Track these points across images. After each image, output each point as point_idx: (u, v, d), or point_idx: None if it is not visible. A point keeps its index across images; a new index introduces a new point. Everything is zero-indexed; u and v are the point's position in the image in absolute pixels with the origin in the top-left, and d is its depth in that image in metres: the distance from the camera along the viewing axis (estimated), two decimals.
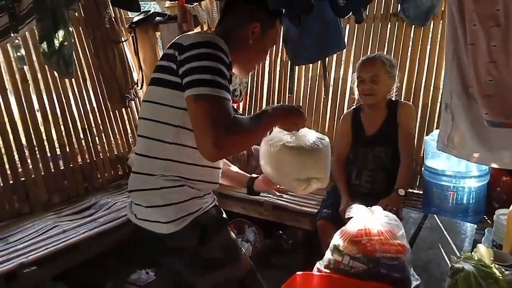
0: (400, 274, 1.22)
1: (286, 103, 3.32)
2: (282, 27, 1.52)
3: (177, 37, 1.22)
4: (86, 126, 3.00)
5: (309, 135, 1.40)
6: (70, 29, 2.15)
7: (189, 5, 2.98)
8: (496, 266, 1.30)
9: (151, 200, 1.20)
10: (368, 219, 1.30)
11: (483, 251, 1.35)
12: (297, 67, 3.15)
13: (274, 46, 3.14)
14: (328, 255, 1.32)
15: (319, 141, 1.40)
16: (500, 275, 1.27)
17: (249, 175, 1.62)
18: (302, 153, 1.35)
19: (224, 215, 1.35)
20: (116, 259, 2.63)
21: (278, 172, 1.43)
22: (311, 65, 3.16)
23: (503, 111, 1.27)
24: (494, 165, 1.51)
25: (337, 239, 1.32)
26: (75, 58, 2.88)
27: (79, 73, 2.95)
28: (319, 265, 1.35)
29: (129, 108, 3.28)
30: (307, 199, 2.73)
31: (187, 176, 1.21)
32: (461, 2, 1.32)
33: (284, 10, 1.53)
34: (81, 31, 3.00)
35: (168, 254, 1.27)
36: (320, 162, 1.40)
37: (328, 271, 1.29)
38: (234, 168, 1.63)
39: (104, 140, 3.12)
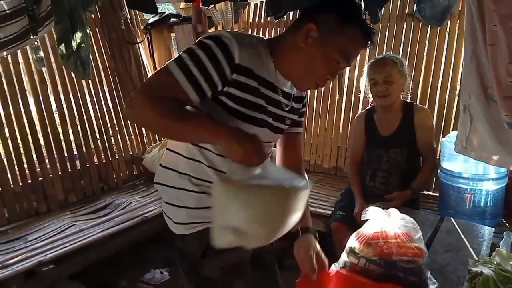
0: (416, 278, 1.20)
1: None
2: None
3: None
4: (102, 127, 3.04)
5: (278, 175, 1.07)
6: (87, 30, 2.19)
7: (204, 7, 3.00)
8: None
9: (168, 197, 1.20)
10: (384, 222, 1.29)
11: (503, 255, 1.32)
12: None
13: None
14: (344, 257, 1.31)
15: (279, 183, 0.99)
16: None
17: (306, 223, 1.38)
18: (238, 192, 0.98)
19: None
20: (131, 258, 2.67)
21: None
22: None
23: None
24: None
25: (353, 241, 1.30)
26: (91, 59, 2.96)
27: (95, 74, 3.00)
28: (335, 267, 1.34)
29: None
30: (321, 200, 2.73)
31: (206, 178, 1.14)
32: (481, 2, 1.30)
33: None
34: (98, 32, 3.04)
35: (175, 253, 1.25)
36: (254, 211, 0.97)
37: (344, 272, 1.28)
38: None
39: (120, 141, 3.16)
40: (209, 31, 3.22)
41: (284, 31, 1.19)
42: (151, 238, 2.68)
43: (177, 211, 1.16)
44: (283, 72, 1.14)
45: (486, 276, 1.25)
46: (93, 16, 2.97)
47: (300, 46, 1.07)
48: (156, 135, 3.44)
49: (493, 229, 1.78)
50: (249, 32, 3.49)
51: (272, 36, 1.23)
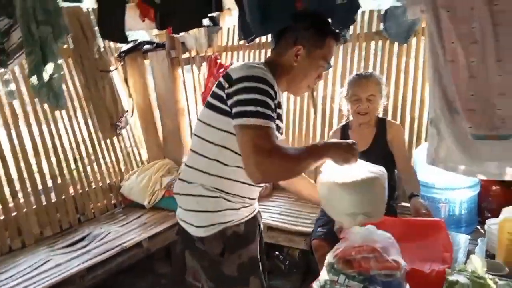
0: None
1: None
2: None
3: (231, 67, 1.35)
4: (78, 157, 2.99)
5: (362, 169, 1.39)
6: (59, 62, 2.18)
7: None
8: (490, 276, 1.32)
9: (188, 204, 1.36)
10: (362, 237, 1.31)
11: (477, 262, 1.36)
12: None
13: None
14: (323, 275, 1.32)
15: (370, 175, 1.38)
16: (495, 286, 1.28)
17: None
18: (347, 189, 1.35)
19: (258, 229, 1.47)
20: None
21: (329, 208, 1.47)
22: None
23: (486, 124, 1.31)
24: (481, 177, 1.54)
25: (331, 258, 1.31)
26: (65, 89, 2.93)
27: (69, 104, 2.96)
28: (316, 286, 1.35)
29: (120, 136, 3.28)
30: (302, 218, 2.74)
31: (222, 189, 1.32)
32: (439, 21, 1.37)
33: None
34: (71, 62, 3.02)
35: (196, 254, 1.39)
36: (367, 197, 1.37)
37: None
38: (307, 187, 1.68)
39: (96, 170, 3.11)
40: (183, 56, 3.26)
41: (271, 54, 1.45)
42: (132, 267, 2.63)
43: (197, 215, 1.33)
44: (282, 88, 1.40)
45: (461, 284, 1.28)
46: (65, 46, 2.96)
47: (293, 65, 1.36)
48: (134, 163, 3.42)
49: (469, 236, 1.82)
50: (224, 55, 3.55)
51: (253, 60, 1.45)
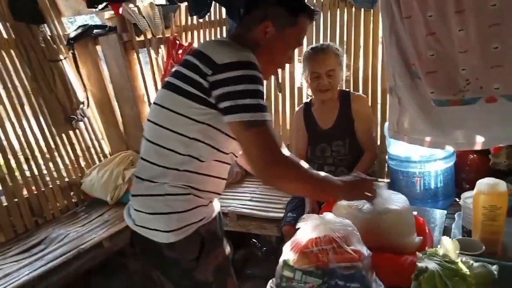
0: (359, 284, 1.09)
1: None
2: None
3: (202, 45, 1.22)
4: (30, 155, 2.77)
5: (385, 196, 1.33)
6: None
7: (127, 12, 2.80)
8: (464, 259, 1.18)
9: (154, 207, 1.16)
10: (318, 227, 1.16)
11: (448, 245, 1.21)
12: None
13: None
14: (279, 271, 1.17)
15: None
16: (467, 270, 1.14)
17: None
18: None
19: (223, 224, 1.33)
20: None
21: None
22: None
23: (450, 88, 1.14)
24: (449, 148, 1.39)
25: (287, 253, 1.18)
26: (9, 83, 2.70)
27: (15, 99, 2.73)
28: (271, 284, 1.21)
29: (77, 130, 3.06)
30: (273, 203, 2.59)
31: (193, 185, 1.17)
32: None
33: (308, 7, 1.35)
34: (13, 54, 2.77)
35: (163, 265, 1.22)
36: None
37: None
38: None
39: (52, 168, 2.89)
40: (137, 39, 3.02)
41: (236, 30, 1.32)
42: (94, 268, 2.47)
43: (167, 218, 1.14)
44: None
45: (431, 272, 1.13)
46: (6, 36, 2.71)
47: (260, 43, 1.20)
48: (95, 157, 3.21)
49: (445, 211, 1.73)
50: (183, 35, 3.32)
51: (217, 38, 1.27)
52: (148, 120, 1.22)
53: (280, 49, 1.24)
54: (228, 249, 1.28)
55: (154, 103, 1.22)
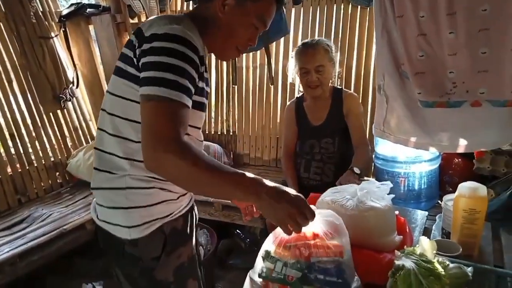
0: (337, 278, 1.09)
1: (232, 95, 3.15)
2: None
3: (145, 21, 1.10)
4: (15, 133, 2.72)
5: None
6: None
7: None
8: (440, 259, 1.20)
9: (114, 200, 1.08)
10: None
11: (426, 244, 1.23)
12: (243, 56, 2.99)
13: None
14: (259, 262, 1.18)
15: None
16: (443, 270, 1.16)
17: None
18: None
19: (194, 222, 1.25)
20: (57, 275, 2.44)
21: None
22: (258, 54, 2.99)
23: (437, 90, 1.14)
24: (433, 150, 1.40)
25: (268, 244, 1.18)
26: None
27: (2, 74, 2.68)
28: (252, 273, 1.21)
29: (65, 110, 3.02)
30: None
31: (156, 176, 1.06)
32: None
33: None
34: (2, 27, 2.71)
35: (123, 263, 1.15)
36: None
37: (261, 280, 1.15)
38: None
39: (38, 147, 2.85)
40: (131, 21, 2.98)
41: (196, 6, 1.18)
42: (76, 250, 2.45)
43: (128, 213, 1.07)
44: (207, 45, 1.13)
45: (407, 270, 1.15)
46: None
47: (218, 16, 1.09)
48: (82, 139, 3.17)
49: (426, 213, 1.73)
50: None
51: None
52: (102, 109, 1.13)
53: (240, 25, 1.11)
54: (193, 249, 1.20)
55: (106, 91, 1.13)
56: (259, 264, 1.17)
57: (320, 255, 1.10)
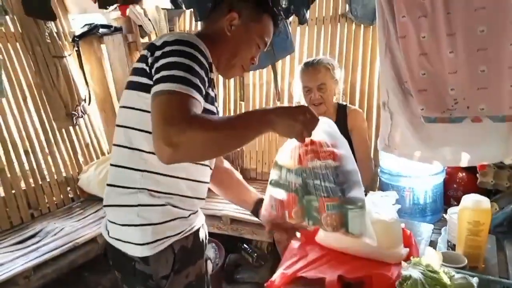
0: (333, 183, 1.08)
1: (240, 111, 3.22)
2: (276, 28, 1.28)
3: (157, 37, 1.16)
4: (29, 148, 2.80)
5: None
6: None
7: (133, 13, 2.86)
8: (446, 270, 1.23)
9: (126, 218, 1.09)
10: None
11: (432, 255, 1.27)
12: (250, 73, 3.08)
13: None
14: (272, 172, 1.20)
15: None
16: (449, 280, 1.19)
17: (256, 195, 1.43)
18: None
19: (205, 241, 1.25)
20: (68, 287, 2.47)
21: None
22: (264, 71, 3.08)
23: (439, 106, 1.20)
24: (437, 163, 1.44)
25: (278, 154, 1.20)
26: (12, 76, 2.74)
27: (18, 92, 2.77)
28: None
29: (77, 126, 3.11)
30: None
31: (167, 191, 1.09)
32: None
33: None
34: (19, 47, 2.82)
35: (133, 281, 1.16)
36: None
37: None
38: (239, 180, 1.44)
39: (51, 162, 2.93)
40: (142, 41, 3.08)
41: (203, 26, 1.26)
42: (86, 264, 2.49)
43: (140, 230, 1.07)
44: (214, 64, 1.15)
45: (414, 280, 1.18)
46: (13, 29, 2.76)
47: (226, 35, 1.15)
48: (93, 154, 3.24)
49: (432, 226, 1.75)
50: None
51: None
52: (116, 125, 1.14)
53: (245, 43, 1.19)
54: (202, 267, 1.21)
55: (119, 106, 1.14)
56: (271, 173, 1.20)
57: (314, 159, 1.09)
